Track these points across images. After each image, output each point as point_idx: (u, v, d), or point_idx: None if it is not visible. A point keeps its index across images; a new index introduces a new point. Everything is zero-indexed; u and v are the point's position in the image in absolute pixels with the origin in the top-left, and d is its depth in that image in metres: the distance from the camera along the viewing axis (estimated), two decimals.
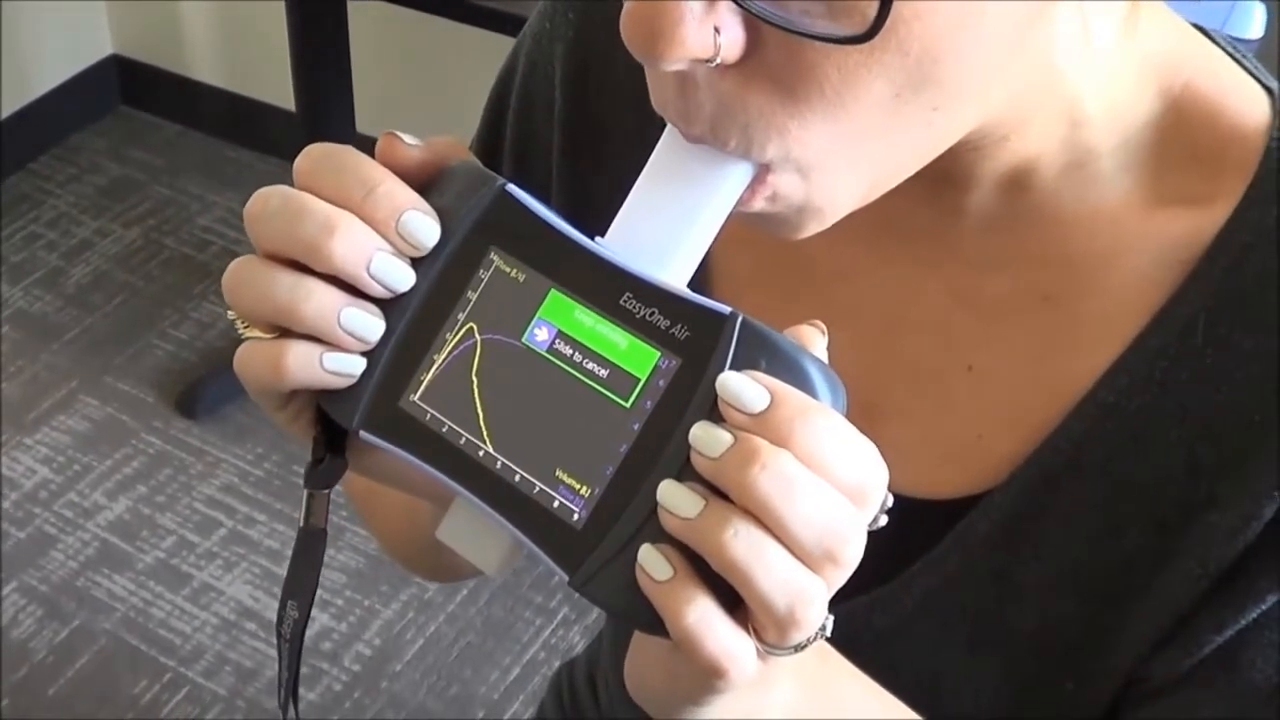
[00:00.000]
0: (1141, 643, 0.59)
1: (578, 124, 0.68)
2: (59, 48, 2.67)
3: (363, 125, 2.20)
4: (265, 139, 2.64)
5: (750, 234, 0.52)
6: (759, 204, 0.49)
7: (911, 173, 0.51)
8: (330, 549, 1.62)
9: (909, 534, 0.51)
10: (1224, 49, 0.60)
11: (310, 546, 0.55)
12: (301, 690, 0.60)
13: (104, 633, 1.90)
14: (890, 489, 0.47)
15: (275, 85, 2.51)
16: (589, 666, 0.91)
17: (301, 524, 0.55)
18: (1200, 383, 0.56)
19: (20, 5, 2.55)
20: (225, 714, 1.82)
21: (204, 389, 2.18)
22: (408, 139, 0.52)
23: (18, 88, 2.60)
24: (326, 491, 0.55)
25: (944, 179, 0.55)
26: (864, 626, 0.62)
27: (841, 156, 0.48)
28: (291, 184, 0.51)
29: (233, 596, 1.94)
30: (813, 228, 0.51)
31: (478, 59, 2.27)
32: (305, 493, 0.55)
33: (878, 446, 0.46)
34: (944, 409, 0.62)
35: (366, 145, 0.50)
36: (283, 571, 1.97)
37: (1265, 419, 0.55)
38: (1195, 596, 0.57)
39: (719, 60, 0.44)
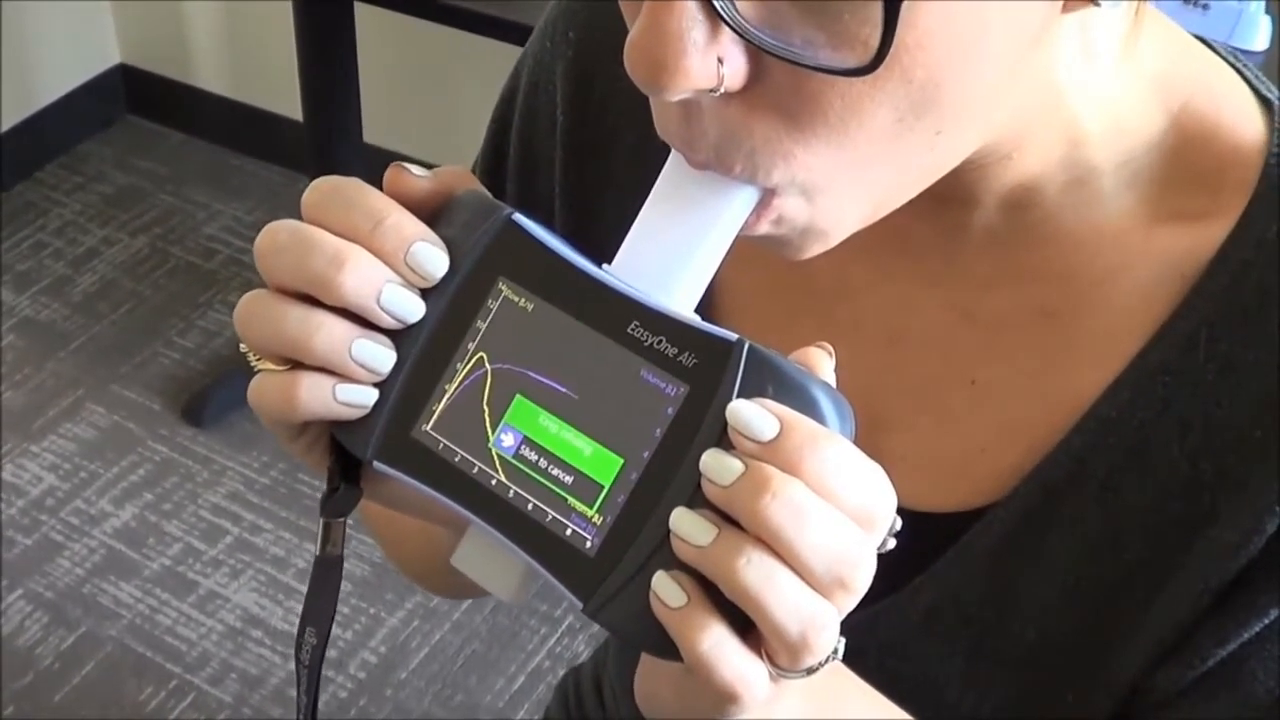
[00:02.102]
0: (1143, 656, 0.59)
1: (580, 141, 0.69)
2: (66, 57, 2.68)
3: (369, 135, 2.21)
4: (271, 148, 2.65)
5: (755, 249, 0.53)
6: (764, 227, 0.50)
7: (915, 193, 0.51)
8: None
9: (912, 547, 0.52)
10: (1227, 61, 0.60)
11: (327, 574, 0.56)
12: None
13: (110, 639, 1.90)
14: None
15: (282, 95, 2.51)
16: (595, 671, 0.91)
17: (318, 552, 0.56)
18: (1201, 398, 0.56)
19: (27, 14, 2.56)
20: None
21: (210, 397, 2.19)
22: (415, 170, 0.52)
23: (24, 96, 2.61)
24: (342, 520, 0.55)
25: (947, 197, 0.55)
26: (868, 638, 0.63)
27: (846, 180, 0.48)
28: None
29: (239, 604, 1.95)
30: (816, 249, 0.51)
31: (485, 69, 2.28)
32: (321, 521, 0.55)
33: (881, 459, 0.47)
34: (946, 423, 0.62)
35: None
36: (288, 579, 1.99)
37: (1266, 434, 0.55)
38: (1197, 610, 0.57)
39: (723, 90, 0.45)
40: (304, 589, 0.56)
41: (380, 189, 0.52)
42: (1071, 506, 0.59)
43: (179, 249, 2.50)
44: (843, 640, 0.47)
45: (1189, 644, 0.58)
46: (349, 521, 0.56)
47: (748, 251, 0.52)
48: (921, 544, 0.60)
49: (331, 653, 1.88)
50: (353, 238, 0.50)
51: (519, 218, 0.51)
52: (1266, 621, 0.56)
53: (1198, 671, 0.58)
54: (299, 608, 0.56)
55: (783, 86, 0.45)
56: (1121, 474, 0.58)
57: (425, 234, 0.50)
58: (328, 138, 2.11)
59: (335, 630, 2.02)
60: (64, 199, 2.60)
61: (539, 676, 1.87)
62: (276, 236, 0.51)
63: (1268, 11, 1.35)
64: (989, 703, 0.63)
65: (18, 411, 2.20)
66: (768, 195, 0.49)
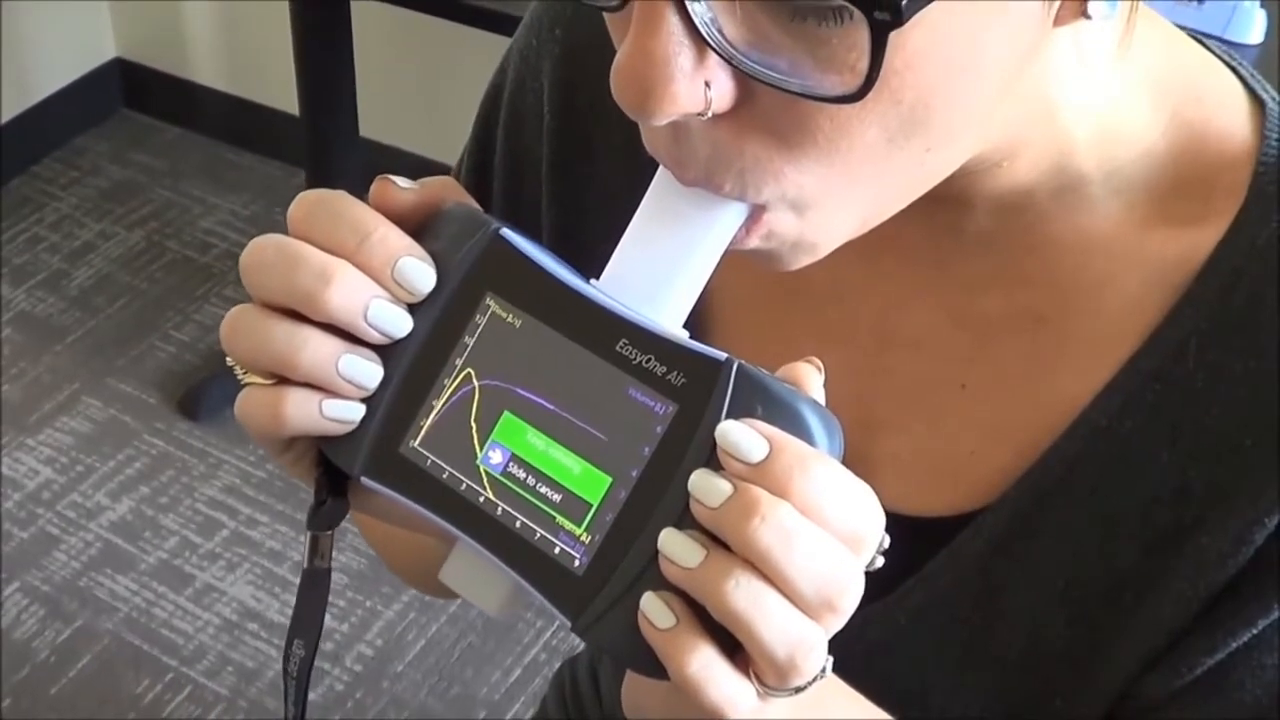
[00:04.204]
0: (1131, 663, 0.59)
1: (567, 140, 0.68)
2: (62, 51, 2.68)
3: (366, 129, 2.20)
4: (268, 142, 2.64)
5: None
6: (754, 242, 0.50)
7: (905, 205, 0.51)
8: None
9: (903, 550, 0.52)
10: (1221, 58, 0.60)
11: (315, 586, 0.56)
12: None
13: (106, 633, 1.90)
14: (884, 505, 0.48)
15: (278, 89, 2.51)
16: (591, 663, 0.91)
17: (306, 565, 0.56)
18: (1192, 406, 0.56)
19: (23, 8, 2.55)
20: (227, 714, 1.82)
21: (206, 390, 2.19)
22: (401, 182, 0.52)
23: (20, 91, 2.60)
24: (329, 533, 0.55)
25: (939, 201, 0.55)
26: (856, 641, 0.63)
27: (836, 196, 0.48)
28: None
29: (235, 597, 1.95)
30: (804, 261, 0.51)
31: (482, 62, 2.27)
32: (308, 534, 0.55)
33: (871, 462, 0.47)
34: (937, 426, 0.62)
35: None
36: (284, 572, 1.99)
37: (1256, 443, 0.55)
38: (1186, 618, 0.57)
39: (710, 113, 0.45)
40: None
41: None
42: (1061, 512, 0.59)
43: (175, 243, 2.50)
44: (830, 659, 0.48)
45: (1178, 651, 0.58)
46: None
47: (738, 255, 0.52)
48: (911, 547, 0.60)
49: (327, 645, 1.88)
50: (339, 252, 0.50)
51: (506, 232, 0.51)
52: (1255, 631, 0.56)
53: (1186, 679, 0.58)
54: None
55: (771, 108, 0.45)
56: (1111, 480, 0.58)
57: (412, 248, 0.50)
58: (324, 132, 2.10)
59: (331, 623, 2.02)
60: (60, 193, 2.60)
61: (535, 669, 1.88)
62: (263, 252, 0.50)
63: (1262, 5, 1.35)
64: (978, 706, 0.63)
65: (14, 405, 2.20)
66: (757, 211, 0.48)
